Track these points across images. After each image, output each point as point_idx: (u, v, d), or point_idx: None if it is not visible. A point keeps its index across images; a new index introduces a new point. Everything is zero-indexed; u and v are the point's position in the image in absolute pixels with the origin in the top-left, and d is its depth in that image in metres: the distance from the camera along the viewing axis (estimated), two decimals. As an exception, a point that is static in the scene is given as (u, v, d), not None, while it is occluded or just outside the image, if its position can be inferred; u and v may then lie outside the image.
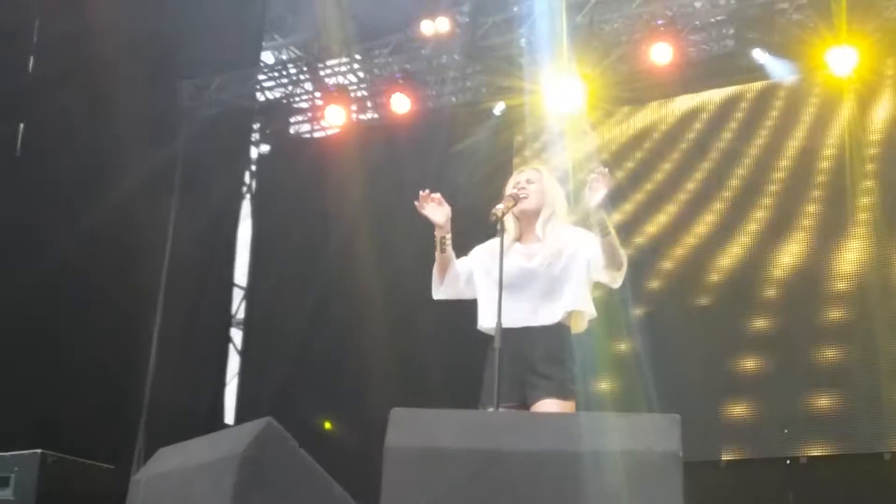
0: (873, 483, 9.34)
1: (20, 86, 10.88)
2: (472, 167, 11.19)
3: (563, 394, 4.68)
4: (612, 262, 4.78)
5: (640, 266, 10.98)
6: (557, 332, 4.80)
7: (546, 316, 4.81)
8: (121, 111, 10.58)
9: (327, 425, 11.92)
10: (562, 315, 4.82)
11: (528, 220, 4.94)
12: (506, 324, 4.55)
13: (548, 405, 4.63)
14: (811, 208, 10.48)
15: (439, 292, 5.06)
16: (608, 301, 10.63)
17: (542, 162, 10.85)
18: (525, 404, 4.69)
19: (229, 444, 3.97)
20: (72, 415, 10.03)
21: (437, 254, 4.93)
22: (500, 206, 4.77)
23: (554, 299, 4.82)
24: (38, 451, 6.16)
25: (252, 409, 11.92)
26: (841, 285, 10.08)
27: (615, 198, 11.27)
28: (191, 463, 4.20)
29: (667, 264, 10.95)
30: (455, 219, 4.86)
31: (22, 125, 10.94)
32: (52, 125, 10.70)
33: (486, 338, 4.81)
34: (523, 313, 4.78)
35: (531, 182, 4.98)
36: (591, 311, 4.91)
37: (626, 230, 11.16)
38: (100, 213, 10.49)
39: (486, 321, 4.89)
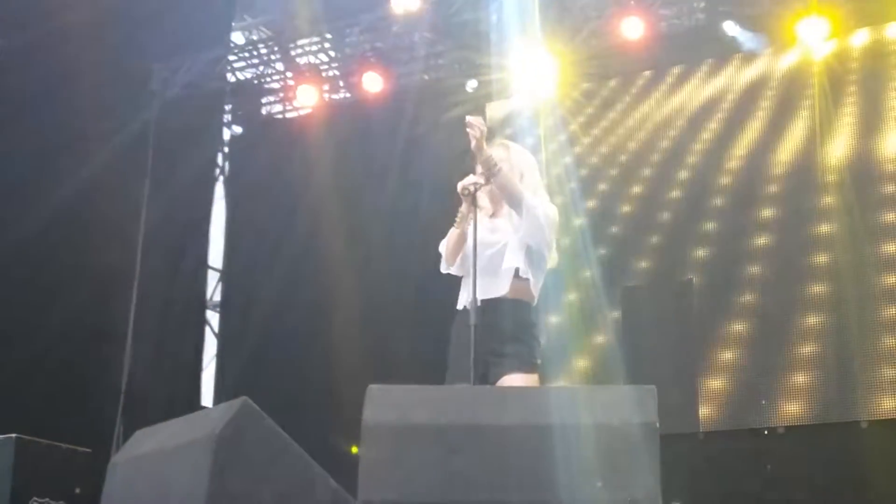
0: (851, 452, 9.40)
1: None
2: (445, 144, 11.16)
3: (525, 367, 4.64)
4: (510, 202, 4.77)
5: (621, 240, 11.03)
6: (514, 307, 4.75)
7: (493, 289, 4.74)
8: (90, 94, 10.49)
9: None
10: (506, 284, 4.76)
11: (496, 197, 4.95)
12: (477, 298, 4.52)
13: (512, 380, 4.58)
14: (780, 184, 10.52)
15: (451, 268, 4.99)
16: (585, 274, 10.74)
17: (513, 139, 10.85)
18: (488, 381, 4.64)
19: (206, 424, 3.96)
20: (48, 398, 9.98)
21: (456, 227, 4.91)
22: (470, 179, 4.77)
23: (496, 272, 4.78)
24: (13, 435, 6.13)
25: (229, 391, 11.90)
26: (815, 258, 10.13)
27: (592, 175, 11.36)
28: (168, 445, 4.19)
29: (646, 238, 10.96)
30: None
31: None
32: (18, 106, 10.57)
33: (453, 315, 4.80)
34: (482, 288, 4.69)
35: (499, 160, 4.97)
36: (523, 268, 4.78)
37: (603, 206, 11.21)
38: (72, 197, 10.41)
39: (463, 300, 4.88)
